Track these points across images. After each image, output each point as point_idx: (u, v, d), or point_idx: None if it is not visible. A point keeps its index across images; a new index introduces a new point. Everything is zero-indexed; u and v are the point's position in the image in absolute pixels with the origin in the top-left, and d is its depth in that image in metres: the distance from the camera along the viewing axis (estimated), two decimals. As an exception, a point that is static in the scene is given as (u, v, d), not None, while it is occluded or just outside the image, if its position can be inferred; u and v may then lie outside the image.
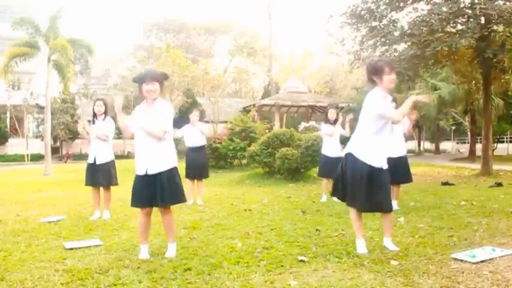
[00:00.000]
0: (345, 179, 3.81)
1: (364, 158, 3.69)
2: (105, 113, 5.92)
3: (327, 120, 7.30)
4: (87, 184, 6.02)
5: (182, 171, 7.23)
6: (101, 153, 5.90)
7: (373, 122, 3.69)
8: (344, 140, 7.05)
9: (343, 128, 7.21)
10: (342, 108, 22.12)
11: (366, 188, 3.66)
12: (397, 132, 5.69)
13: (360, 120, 3.82)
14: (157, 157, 3.65)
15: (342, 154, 7.21)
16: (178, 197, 3.74)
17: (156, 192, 3.63)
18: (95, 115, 5.92)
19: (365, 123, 3.74)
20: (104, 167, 5.87)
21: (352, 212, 3.85)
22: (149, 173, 3.63)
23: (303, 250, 3.87)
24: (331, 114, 7.29)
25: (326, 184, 7.31)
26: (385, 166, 3.75)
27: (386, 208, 3.78)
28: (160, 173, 3.64)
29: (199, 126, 7.31)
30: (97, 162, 5.87)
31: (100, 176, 5.86)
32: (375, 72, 3.71)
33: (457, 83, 17.67)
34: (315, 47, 46.06)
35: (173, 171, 3.72)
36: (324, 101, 23.94)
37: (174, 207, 3.83)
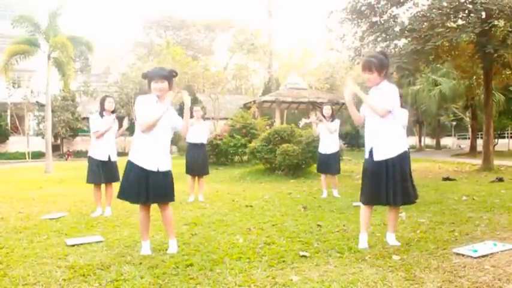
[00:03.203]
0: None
1: (368, 154, 3.75)
2: (114, 111, 5.97)
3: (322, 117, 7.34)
4: (96, 182, 5.90)
5: (183, 168, 7.31)
6: (114, 151, 5.96)
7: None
8: (344, 136, 7.04)
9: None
10: (343, 104, 22.10)
11: (376, 181, 3.67)
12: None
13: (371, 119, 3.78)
14: (165, 155, 3.77)
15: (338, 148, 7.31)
16: (173, 195, 3.84)
17: (160, 188, 3.67)
18: (103, 110, 5.85)
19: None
20: (115, 164, 5.95)
21: (364, 206, 3.83)
22: (161, 170, 3.69)
23: (305, 245, 3.87)
24: (327, 110, 7.31)
25: (325, 180, 7.40)
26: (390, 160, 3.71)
27: (396, 201, 3.73)
28: (167, 171, 3.76)
29: (203, 125, 7.31)
30: (112, 159, 5.90)
31: (112, 173, 5.89)
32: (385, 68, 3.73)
33: (457, 78, 17.66)
34: (315, 43, 45.98)
35: (170, 170, 3.88)
36: (324, 97, 23.91)
37: (175, 204, 3.83)
